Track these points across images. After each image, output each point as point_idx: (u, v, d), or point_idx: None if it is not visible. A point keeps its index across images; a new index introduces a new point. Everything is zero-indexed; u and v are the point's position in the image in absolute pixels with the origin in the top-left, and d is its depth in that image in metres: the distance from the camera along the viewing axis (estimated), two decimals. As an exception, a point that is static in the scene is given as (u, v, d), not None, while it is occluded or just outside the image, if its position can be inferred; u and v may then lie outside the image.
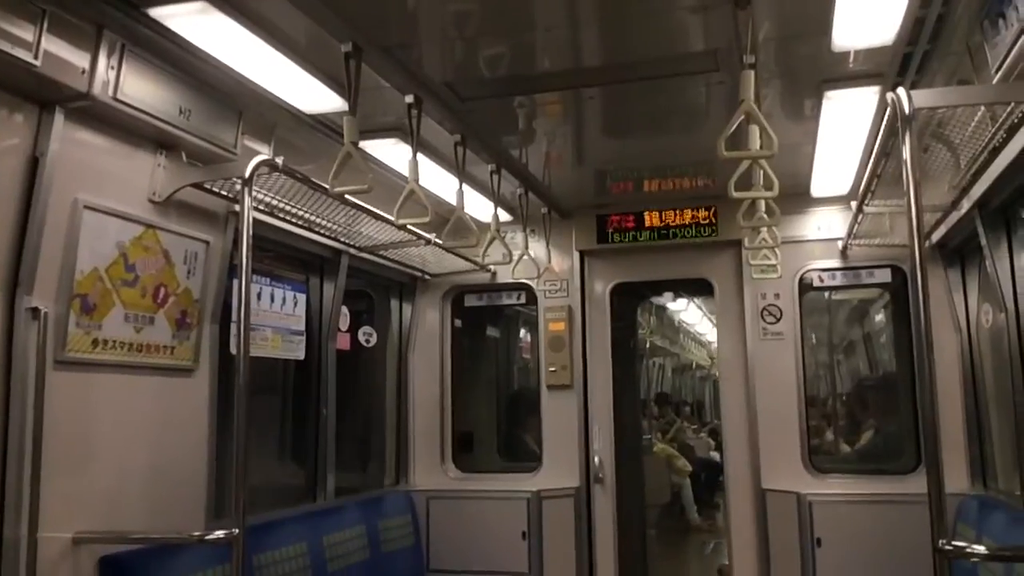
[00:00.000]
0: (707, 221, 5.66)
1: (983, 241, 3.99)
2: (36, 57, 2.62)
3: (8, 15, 2.52)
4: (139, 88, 3.06)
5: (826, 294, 5.93)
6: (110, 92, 2.94)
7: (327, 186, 3.26)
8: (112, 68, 2.92)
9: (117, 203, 3.18)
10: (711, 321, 13.85)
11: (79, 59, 2.82)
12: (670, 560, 9.00)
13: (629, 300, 6.55)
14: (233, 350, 3.70)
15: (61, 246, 2.95)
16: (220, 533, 3.06)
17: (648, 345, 12.07)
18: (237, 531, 2.94)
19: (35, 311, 2.83)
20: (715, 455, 12.01)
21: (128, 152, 3.24)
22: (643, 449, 9.51)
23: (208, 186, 3.48)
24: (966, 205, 3.98)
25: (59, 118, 2.87)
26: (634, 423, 7.14)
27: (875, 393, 6.40)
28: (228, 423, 3.48)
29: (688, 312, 13.33)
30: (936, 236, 4.64)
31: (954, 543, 2.47)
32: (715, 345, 15.71)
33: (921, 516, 2.74)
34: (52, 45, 2.69)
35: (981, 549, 3.14)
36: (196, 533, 3.40)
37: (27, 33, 2.58)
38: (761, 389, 5.48)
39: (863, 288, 5.96)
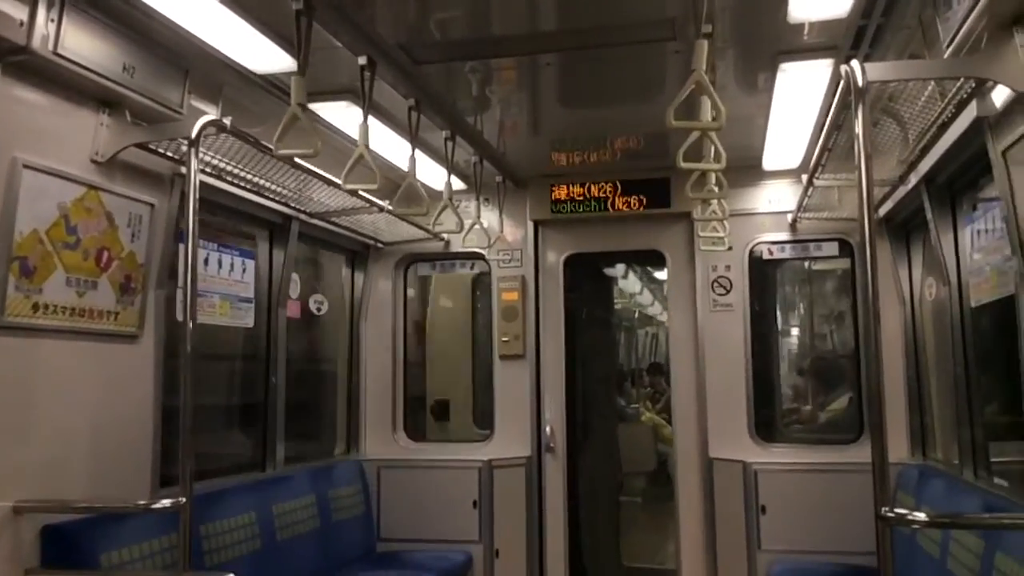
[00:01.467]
0: (660, 192, 5.68)
1: (929, 215, 4.07)
2: (-30, 7, 2.51)
3: (-61, -38, 2.40)
4: (81, 43, 2.95)
5: (775, 266, 6.00)
6: (50, 46, 2.83)
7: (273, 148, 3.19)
8: (52, 21, 2.81)
9: (58, 162, 3.07)
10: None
11: (17, 11, 2.71)
12: (646, 527, 9.04)
13: (598, 270, 6.54)
14: (180, 317, 3.62)
15: (-1, 206, 2.84)
16: (167, 502, 3.01)
17: (637, 315, 12.08)
18: (184, 500, 2.90)
19: (-29, 273, 2.73)
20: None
21: (69, 110, 3.13)
22: (629, 417, 9.61)
23: (153, 147, 3.38)
24: (913, 180, 4.05)
25: (-5, 73, 2.76)
26: (607, 392, 7.14)
27: (821, 365, 6.51)
28: (175, 391, 3.40)
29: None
30: (883, 210, 4.72)
31: (895, 510, 2.52)
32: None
33: (862, 484, 2.81)
34: (-13, -5, 2.58)
35: (921, 516, 3.22)
36: (142, 502, 3.36)
37: (-40, -19, 2.47)
38: (710, 360, 5.55)
39: (811, 260, 6.03)
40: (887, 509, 2.46)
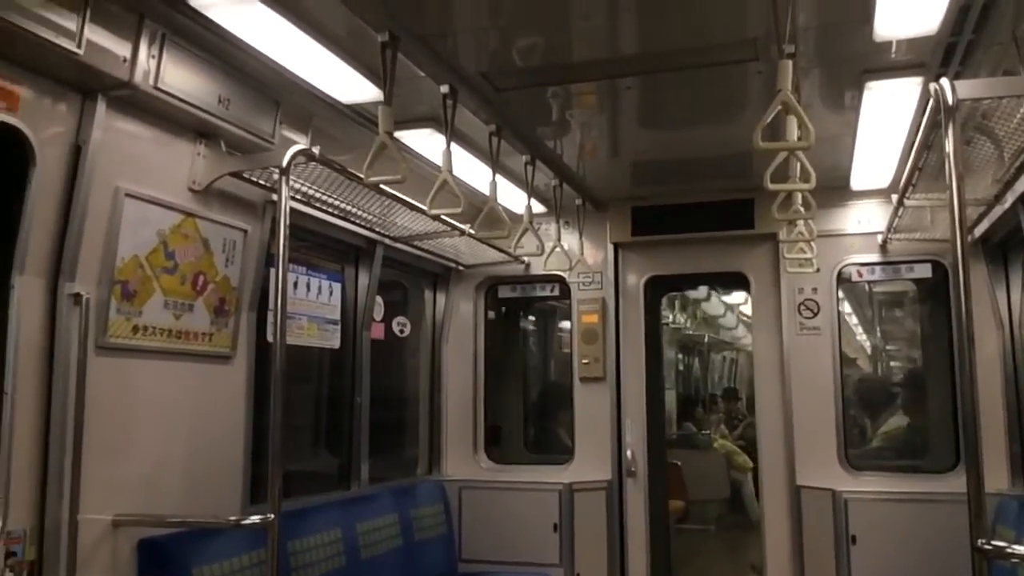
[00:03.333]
0: (743, 213, 5.59)
1: (1028, 236, 3.92)
2: (79, 46, 2.66)
3: (52, 4, 2.56)
4: (179, 77, 3.10)
5: (865, 287, 5.84)
6: (151, 81, 2.98)
7: (362, 176, 3.28)
8: (153, 57, 2.96)
9: (157, 191, 3.22)
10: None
11: (121, 48, 2.86)
12: (725, 555, 8.89)
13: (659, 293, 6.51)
14: (270, 338, 3.74)
15: (103, 233, 3.00)
16: (256, 518, 3.11)
17: (707, 340, 11.90)
18: (273, 516, 2.97)
19: (77, 297, 2.89)
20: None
21: (168, 141, 3.28)
22: (700, 444, 9.45)
23: (246, 175, 3.52)
24: (1010, 199, 3.90)
25: (101, 107, 2.92)
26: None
27: (913, 391, 6.31)
28: (264, 410, 3.52)
29: (748, 305, 13.09)
30: (979, 230, 4.55)
31: (993, 543, 2.42)
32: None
33: (958, 516, 2.70)
34: (94, 34, 2.73)
35: (1022, 550, 3.07)
36: (232, 518, 3.45)
37: (70, 22, 2.63)
38: (797, 385, 5.42)
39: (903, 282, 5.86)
40: (984, 541, 2.36)
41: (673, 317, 10.94)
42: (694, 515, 8.84)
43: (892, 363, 7.24)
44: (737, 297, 12.05)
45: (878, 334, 6.89)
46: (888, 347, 7.20)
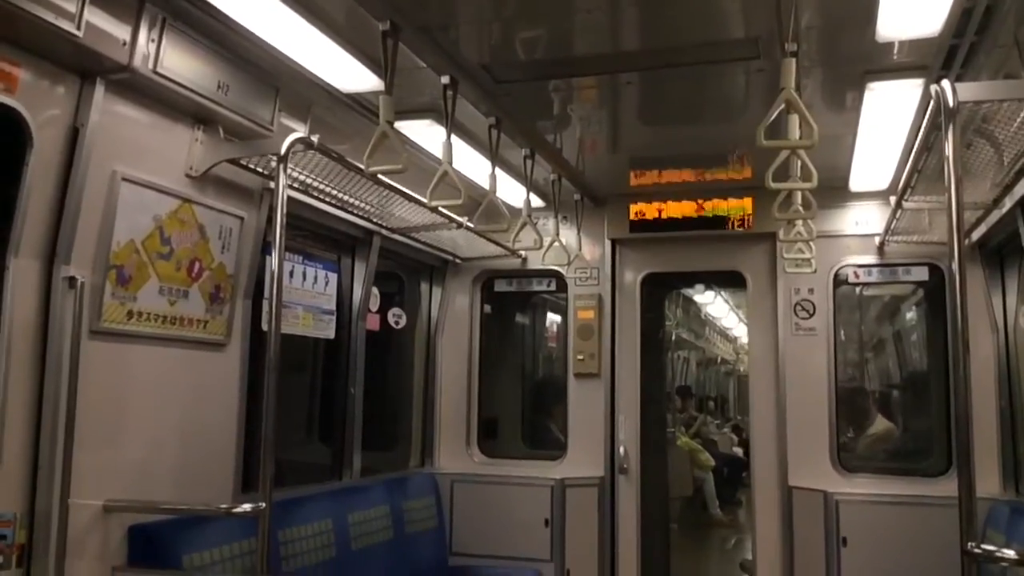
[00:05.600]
0: (742, 213, 5.60)
1: (1025, 241, 3.91)
2: (79, 28, 2.65)
3: (52, -15, 2.54)
4: (178, 62, 3.08)
5: (858, 290, 5.85)
6: (150, 65, 2.96)
7: (361, 165, 3.27)
8: (153, 41, 2.95)
9: (154, 176, 3.21)
10: (738, 315, 13.79)
11: (120, 31, 2.84)
12: (692, 553, 8.98)
13: (658, 291, 6.51)
14: (265, 326, 3.73)
15: (99, 217, 2.98)
16: (247, 507, 3.11)
17: (674, 338, 12.02)
18: (264, 505, 2.97)
19: (72, 280, 2.87)
20: (738, 450, 11.98)
21: (166, 126, 3.27)
22: (666, 441, 9.49)
23: (244, 162, 3.51)
24: (1008, 203, 3.90)
25: (100, 90, 2.90)
26: (659, 415, 7.10)
27: (906, 393, 6.33)
28: (258, 398, 3.51)
29: (715, 305, 13.27)
30: (976, 234, 4.55)
31: (983, 546, 2.42)
32: (741, 340, 15.63)
33: (950, 520, 2.69)
34: (94, 16, 2.71)
35: (1011, 553, 3.06)
36: (224, 506, 3.45)
37: (70, 4, 2.61)
38: (791, 385, 5.42)
39: (899, 285, 5.86)
40: (973, 545, 2.36)
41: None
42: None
43: (886, 366, 7.24)
44: (706, 296, 12.15)
45: (870, 336, 6.88)
46: (880, 350, 7.20)
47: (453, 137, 3.56)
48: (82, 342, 2.91)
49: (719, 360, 17.37)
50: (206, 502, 3.41)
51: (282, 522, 3.94)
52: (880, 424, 5.96)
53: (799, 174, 3.37)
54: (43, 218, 2.82)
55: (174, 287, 3.33)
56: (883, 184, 5.06)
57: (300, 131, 3.72)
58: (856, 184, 5.12)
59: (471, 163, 4.50)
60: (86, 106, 2.88)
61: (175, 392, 3.41)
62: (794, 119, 2.90)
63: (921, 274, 5.40)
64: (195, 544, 3.34)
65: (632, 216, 5.81)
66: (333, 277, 4.79)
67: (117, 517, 3.09)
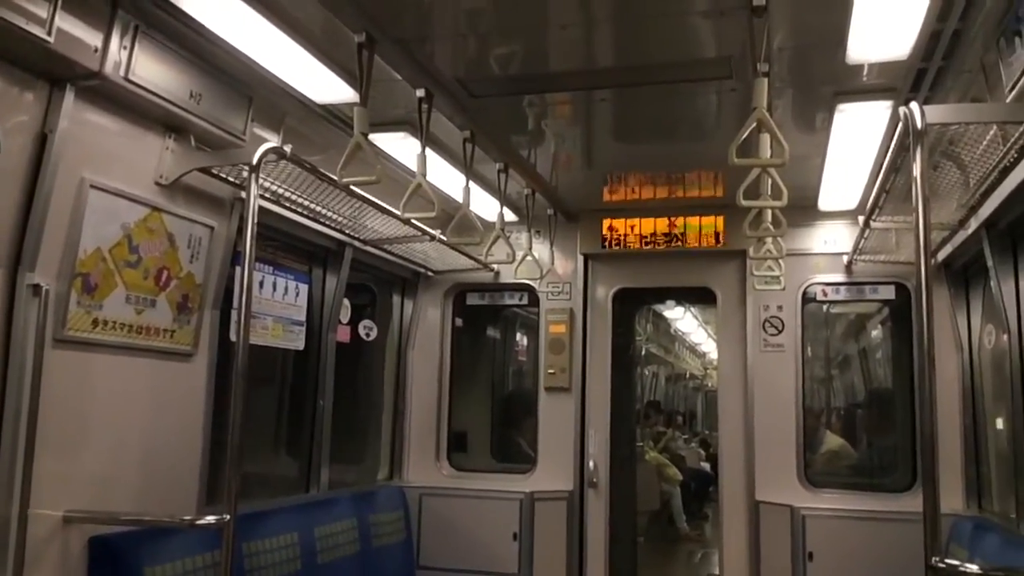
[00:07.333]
0: (713, 230, 5.65)
1: (989, 262, 3.97)
2: (49, 33, 2.61)
3: (23, -10, 2.52)
4: (150, 70, 3.05)
5: (825, 307, 5.91)
6: (121, 72, 2.94)
7: (335, 176, 3.25)
8: (124, 48, 2.92)
9: (124, 184, 3.17)
10: (707, 331, 13.89)
11: (92, 38, 2.81)
12: (659, 567, 8.99)
13: (629, 306, 6.54)
14: (233, 337, 3.69)
15: (65, 224, 2.94)
16: (211, 519, 3.06)
17: (644, 353, 12.08)
18: (228, 517, 2.93)
19: (36, 288, 2.82)
20: (705, 465, 12.04)
21: (137, 133, 3.23)
22: (635, 456, 9.52)
23: (215, 171, 3.48)
24: (974, 224, 3.97)
25: (69, 96, 2.86)
26: (629, 430, 7.12)
27: (872, 410, 6.39)
28: (224, 410, 3.46)
29: (684, 321, 13.37)
30: (942, 255, 4.63)
31: (947, 561, 2.45)
32: (710, 355, 15.74)
33: (914, 535, 2.73)
34: (65, 22, 2.68)
35: (974, 568, 3.11)
36: (187, 517, 3.39)
37: (41, 9, 2.58)
38: (760, 401, 5.47)
39: (866, 303, 5.94)
40: (938, 560, 2.39)
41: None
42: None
43: (851, 382, 7.33)
44: (676, 312, 12.25)
45: (835, 353, 6.96)
46: (846, 367, 7.29)
47: (427, 150, 3.56)
48: (46, 350, 2.86)
49: (688, 375, 17.49)
50: (170, 514, 3.35)
51: (247, 535, 3.89)
52: (832, 440, 6.03)
53: (769, 192, 3.40)
54: (8, 225, 2.77)
55: (141, 296, 3.29)
56: (852, 204, 5.13)
57: (273, 141, 3.70)
58: (825, 203, 5.18)
59: (445, 176, 4.50)
60: (55, 112, 2.84)
61: (140, 402, 3.36)
62: (765, 138, 2.94)
63: (888, 293, 5.47)
64: (157, 556, 3.28)
65: (604, 231, 5.84)
66: (304, 288, 4.76)
67: (77, 528, 3.03)
